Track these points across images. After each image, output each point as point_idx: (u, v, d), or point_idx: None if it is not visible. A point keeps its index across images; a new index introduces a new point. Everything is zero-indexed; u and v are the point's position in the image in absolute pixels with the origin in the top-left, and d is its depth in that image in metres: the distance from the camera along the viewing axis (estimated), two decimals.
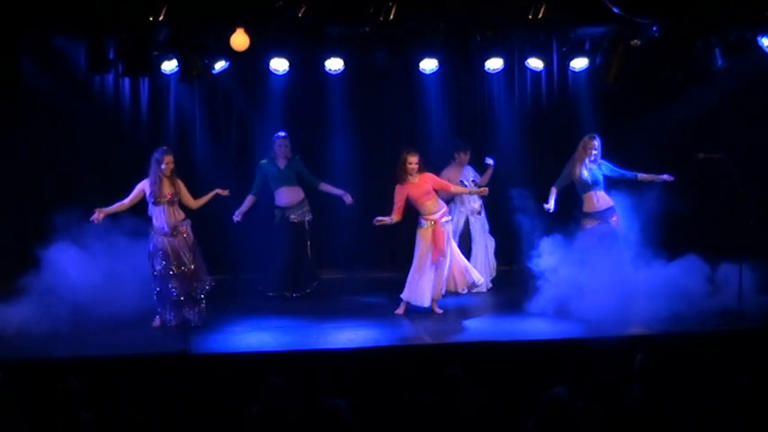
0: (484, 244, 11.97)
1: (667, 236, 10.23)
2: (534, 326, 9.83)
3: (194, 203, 10.27)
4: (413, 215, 10.61)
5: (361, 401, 7.33)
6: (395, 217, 10.44)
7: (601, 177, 10.60)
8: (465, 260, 10.81)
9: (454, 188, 11.01)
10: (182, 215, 10.05)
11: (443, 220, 10.48)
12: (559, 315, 9.94)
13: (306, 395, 7.56)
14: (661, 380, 7.34)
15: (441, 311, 10.58)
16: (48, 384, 7.35)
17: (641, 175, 10.66)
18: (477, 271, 11.24)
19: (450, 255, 10.51)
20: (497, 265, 12.16)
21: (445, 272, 10.48)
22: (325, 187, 11.64)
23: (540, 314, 10.06)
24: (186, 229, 10.05)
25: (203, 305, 10.08)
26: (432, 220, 10.42)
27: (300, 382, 8.13)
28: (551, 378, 7.33)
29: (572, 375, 7.81)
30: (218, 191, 10.44)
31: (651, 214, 10.21)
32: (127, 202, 10.01)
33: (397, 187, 10.47)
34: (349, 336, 9.63)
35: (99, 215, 9.82)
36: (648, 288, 9.87)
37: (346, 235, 12.70)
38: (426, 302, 10.46)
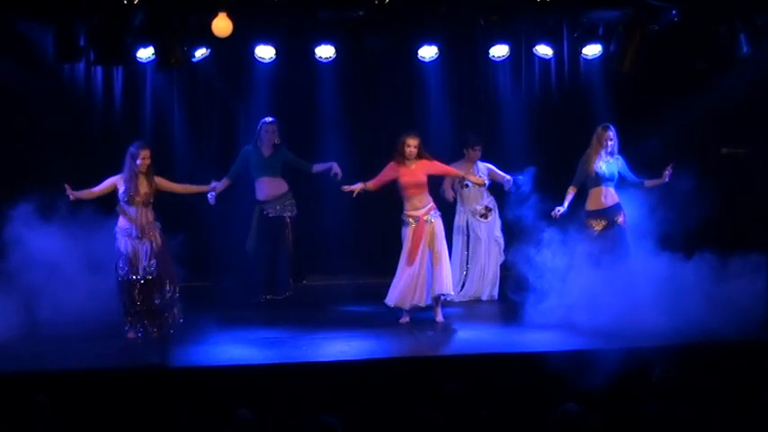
0: (485, 252, 11.92)
1: (687, 236, 10.20)
2: (541, 337, 9.78)
3: (181, 188, 10.31)
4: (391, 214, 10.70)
5: (356, 419, 7.33)
6: (370, 185, 10.50)
7: (616, 172, 10.60)
8: (448, 268, 10.66)
9: (454, 171, 10.97)
10: (152, 217, 10.04)
11: (426, 217, 10.46)
12: (568, 325, 9.92)
13: (295, 412, 7.56)
14: (681, 395, 7.36)
15: (441, 320, 10.58)
16: (12, 401, 7.35)
17: (648, 182, 10.68)
18: (474, 280, 11.61)
19: (438, 254, 10.48)
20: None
21: (422, 272, 10.44)
22: (318, 168, 11.50)
23: (546, 324, 10.02)
24: (155, 233, 10.03)
25: (169, 316, 10.07)
26: (414, 217, 10.44)
27: (289, 397, 8.15)
28: (562, 393, 7.33)
29: (584, 391, 7.81)
30: (213, 188, 10.41)
31: (670, 213, 10.22)
32: (96, 190, 9.94)
33: (391, 163, 10.50)
34: (341, 347, 9.61)
35: (71, 194, 9.77)
36: (663, 294, 9.86)
37: (335, 238, 12.74)
38: (403, 304, 10.49)
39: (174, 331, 10.05)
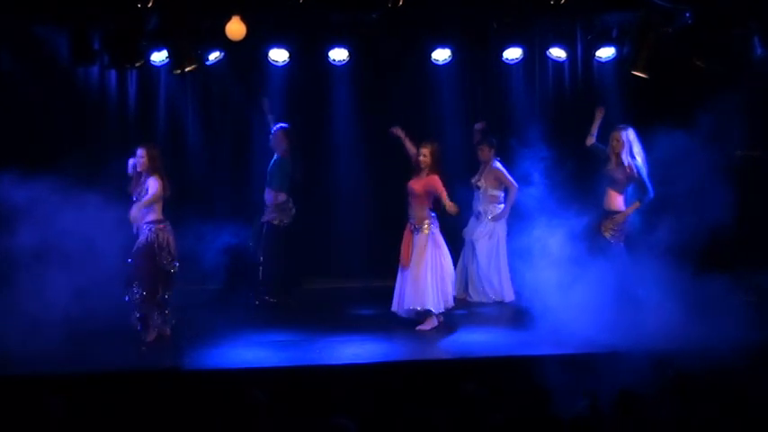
0: (480, 255, 11.86)
1: (702, 245, 10.16)
2: (553, 339, 9.78)
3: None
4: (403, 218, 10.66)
5: (370, 421, 7.36)
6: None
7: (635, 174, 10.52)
8: (421, 282, 10.40)
9: (443, 197, 10.20)
10: (149, 217, 9.91)
11: (415, 229, 10.40)
12: (579, 327, 9.88)
13: (310, 415, 7.59)
14: (693, 397, 7.37)
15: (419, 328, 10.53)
16: (24, 405, 7.37)
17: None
18: (474, 283, 11.77)
19: (416, 268, 10.40)
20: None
21: (407, 283, 10.44)
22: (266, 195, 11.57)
23: (556, 327, 9.98)
24: (143, 232, 9.93)
25: (139, 318, 10.00)
26: (409, 223, 10.45)
27: (303, 400, 8.19)
28: (574, 396, 7.36)
29: (596, 393, 7.82)
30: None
31: (682, 221, 10.18)
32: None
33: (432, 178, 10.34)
34: (355, 350, 9.68)
35: None
36: (678, 300, 9.84)
37: (345, 241, 12.77)
38: (394, 306, 10.57)
39: (174, 332, 10.13)
